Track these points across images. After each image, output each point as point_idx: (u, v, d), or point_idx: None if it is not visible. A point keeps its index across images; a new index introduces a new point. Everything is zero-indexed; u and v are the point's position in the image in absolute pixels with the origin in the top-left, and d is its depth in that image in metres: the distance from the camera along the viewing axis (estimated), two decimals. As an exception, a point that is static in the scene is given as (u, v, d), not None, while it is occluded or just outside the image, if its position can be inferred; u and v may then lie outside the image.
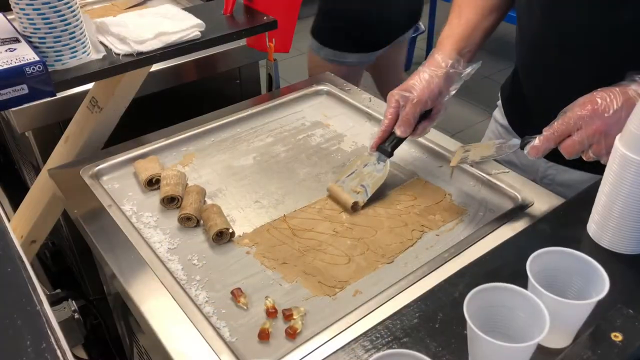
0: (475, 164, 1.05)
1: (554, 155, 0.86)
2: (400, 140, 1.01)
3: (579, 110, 0.80)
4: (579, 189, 1.03)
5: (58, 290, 1.32)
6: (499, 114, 1.22)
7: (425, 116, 1.00)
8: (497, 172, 1.04)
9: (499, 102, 1.23)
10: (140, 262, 0.88)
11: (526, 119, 1.11)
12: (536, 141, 0.84)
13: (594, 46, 0.90)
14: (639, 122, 0.65)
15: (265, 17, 1.25)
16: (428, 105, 0.97)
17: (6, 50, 0.92)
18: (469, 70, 0.99)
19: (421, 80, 0.96)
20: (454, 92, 1.00)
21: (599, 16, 0.87)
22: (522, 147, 0.88)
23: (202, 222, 0.96)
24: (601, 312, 0.59)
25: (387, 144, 1.01)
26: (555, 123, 0.82)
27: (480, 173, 1.05)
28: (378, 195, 1.02)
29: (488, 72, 3.67)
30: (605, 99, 0.78)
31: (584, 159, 0.82)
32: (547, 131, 0.83)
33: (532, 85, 1.07)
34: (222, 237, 0.92)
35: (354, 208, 0.98)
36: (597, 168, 0.84)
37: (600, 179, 0.74)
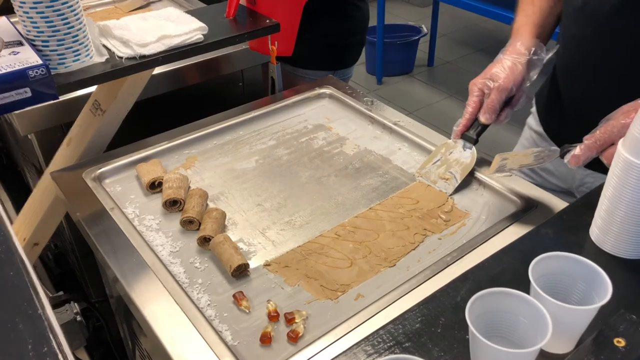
0: (512, 172, 1.04)
1: (591, 163, 0.84)
2: (484, 127, 1.02)
3: (622, 118, 0.77)
4: None
5: (60, 293, 1.33)
6: (533, 121, 1.21)
7: (506, 103, 1.01)
8: (500, 175, 1.04)
9: (533, 109, 1.21)
10: (142, 265, 0.88)
11: (565, 126, 1.10)
12: (577, 150, 0.82)
13: None
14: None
15: (267, 21, 1.25)
16: (512, 91, 0.98)
17: (10, 54, 0.92)
18: (550, 55, 1.01)
19: (504, 68, 0.98)
20: (534, 77, 1.01)
21: None
22: (561, 155, 0.86)
23: (204, 225, 0.96)
24: (604, 317, 0.59)
25: (471, 131, 1.03)
26: (597, 131, 0.80)
27: (483, 176, 1.05)
28: (379, 198, 1.03)
29: (491, 74, 3.67)
30: None
31: None
32: (588, 140, 0.81)
33: (576, 94, 1.05)
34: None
35: (237, 271, 0.85)
36: None
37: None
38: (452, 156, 1.05)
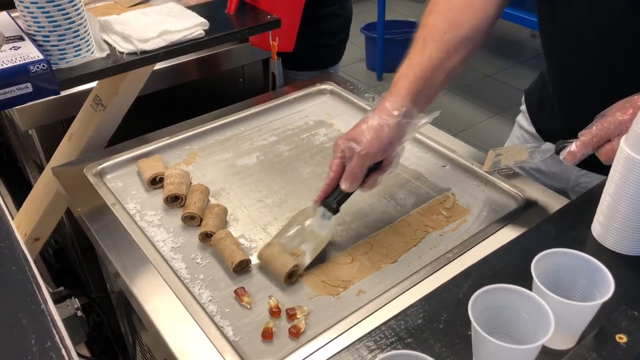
0: (509, 169, 1.02)
1: (587, 163, 0.82)
2: (347, 195, 0.88)
3: (619, 114, 0.76)
4: None
5: (61, 288, 1.33)
6: (523, 120, 1.18)
7: (375, 167, 0.88)
8: (501, 171, 1.04)
9: (523, 108, 1.19)
10: (143, 261, 0.88)
11: (557, 126, 1.08)
12: (572, 146, 0.79)
13: None
14: (645, 123, 0.65)
15: (269, 16, 1.25)
16: (377, 158, 0.86)
17: (10, 49, 0.92)
18: (423, 121, 0.89)
19: (369, 130, 0.84)
20: (406, 142, 0.89)
21: None
22: (557, 152, 0.84)
23: (205, 221, 0.96)
24: (606, 313, 0.59)
25: (332, 199, 0.88)
26: (594, 127, 0.78)
27: (484, 173, 1.05)
28: (380, 195, 1.02)
29: (491, 71, 3.66)
30: None
31: None
32: (584, 136, 0.78)
33: (570, 93, 1.03)
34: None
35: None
36: None
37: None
38: (309, 226, 0.89)
